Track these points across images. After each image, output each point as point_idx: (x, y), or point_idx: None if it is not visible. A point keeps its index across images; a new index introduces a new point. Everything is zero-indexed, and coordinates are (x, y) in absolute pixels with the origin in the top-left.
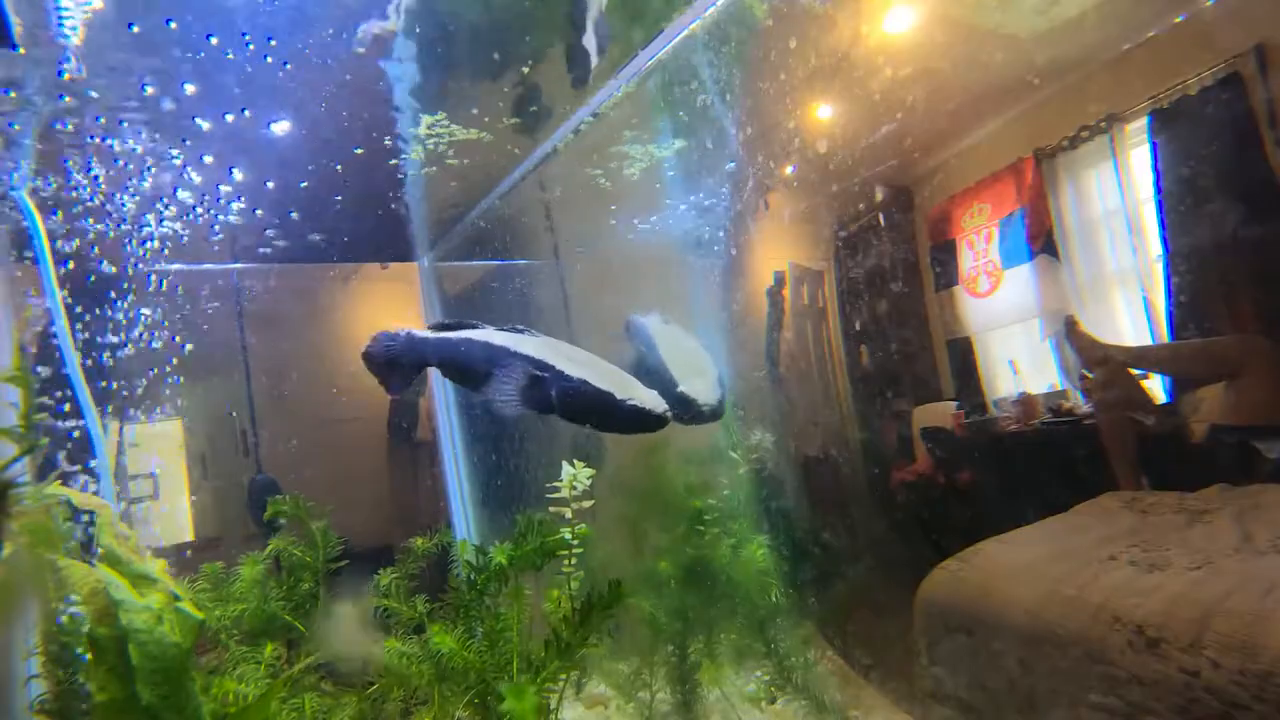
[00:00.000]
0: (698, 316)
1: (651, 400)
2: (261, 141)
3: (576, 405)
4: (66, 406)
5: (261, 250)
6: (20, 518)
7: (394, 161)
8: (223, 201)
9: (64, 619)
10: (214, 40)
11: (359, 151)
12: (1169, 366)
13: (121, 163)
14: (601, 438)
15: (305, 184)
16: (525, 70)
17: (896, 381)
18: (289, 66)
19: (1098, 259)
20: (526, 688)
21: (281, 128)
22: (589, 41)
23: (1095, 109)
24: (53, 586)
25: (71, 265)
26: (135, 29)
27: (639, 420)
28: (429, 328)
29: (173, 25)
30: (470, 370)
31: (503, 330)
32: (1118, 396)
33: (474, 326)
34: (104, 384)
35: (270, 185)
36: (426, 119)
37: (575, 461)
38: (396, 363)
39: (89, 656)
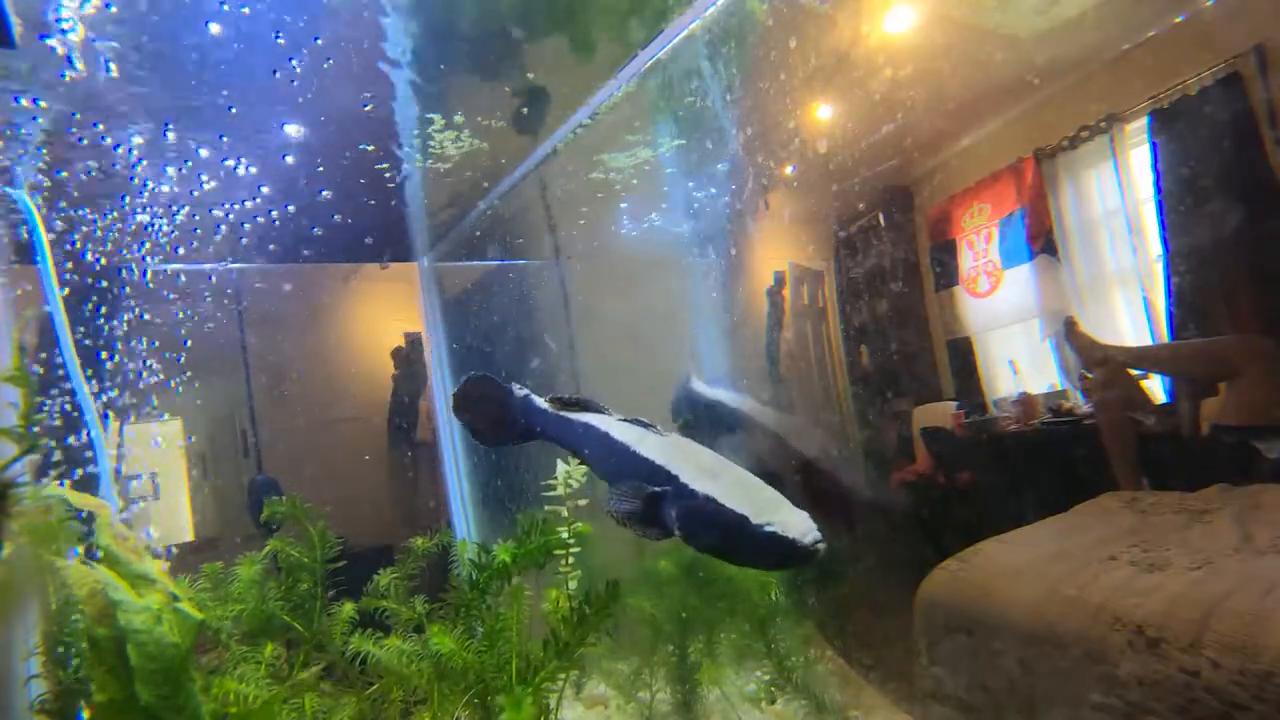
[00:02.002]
0: (698, 316)
1: (797, 526)
2: (261, 141)
3: (701, 528)
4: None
5: (261, 250)
6: (20, 518)
7: (393, 162)
8: (223, 201)
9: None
10: (213, 39)
11: (359, 151)
12: (1169, 366)
13: (120, 164)
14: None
15: (305, 184)
16: (525, 70)
17: (896, 381)
18: (291, 66)
19: (1098, 259)
20: (524, 697)
21: (281, 128)
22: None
23: (1095, 109)
24: (53, 586)
25: (70, 265)
26: (131, 28)
27: (779, 551)
28: (548, 400)
29: (172, 36)
30: (586, 461)
31: (625, 422)
32: (1118, 396)
33: (596, 408)
34: (104, 384)
35: (270, 185)
36: (426, 119)
37: (569, 459)
38: (503, 421)
39: (89, 657)
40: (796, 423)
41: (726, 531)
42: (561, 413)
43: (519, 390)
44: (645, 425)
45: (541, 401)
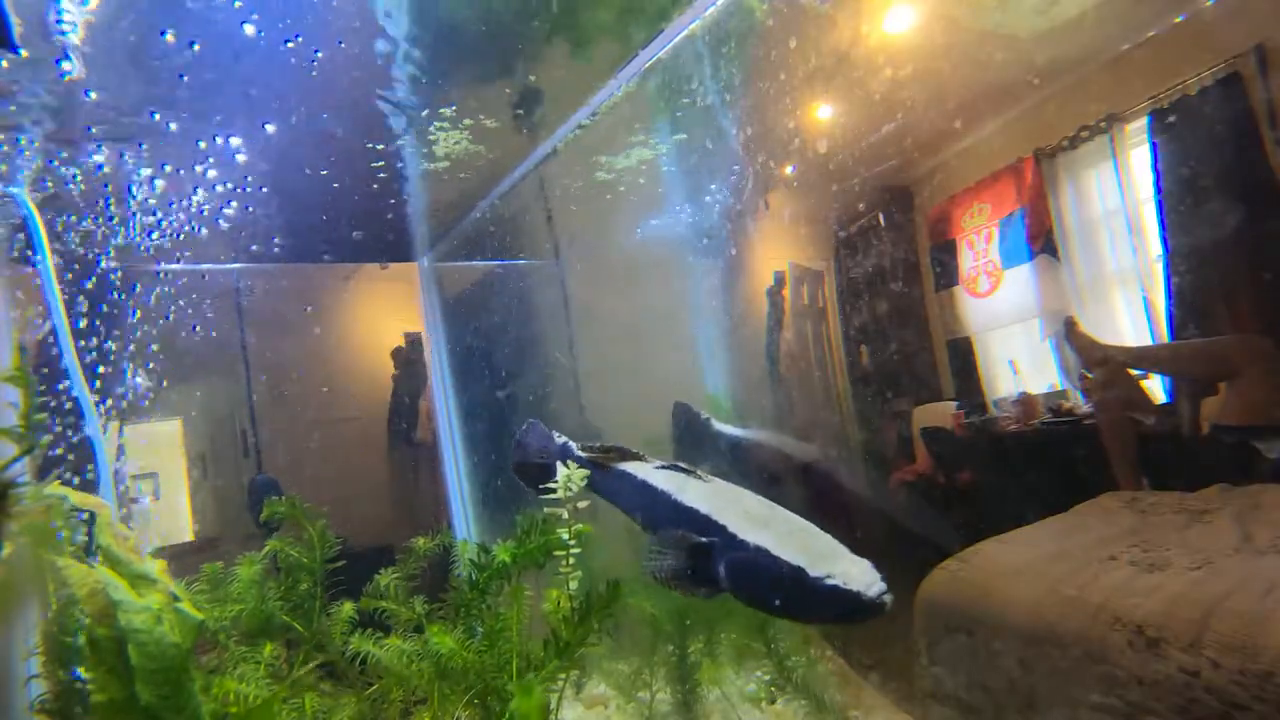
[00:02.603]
0: (698, 316)
1: (859, 577)
2: (262, 141)
3: (753, 583)
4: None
5: (262, 250)
6: (20, 518)
7: (393, 162)
8: (223, 201)
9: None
10: (213, 37)
11: (359, 151)
12: (1169, 366)
13: (120, 163)
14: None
15: (305, 184)
16: (525, 70)
17: (896, 381)
18: (291, 65)
19: (1098, 259)
20: (534, 685)
21: (282, 128)
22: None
23: (1095, 109)
24: (53, 586)
25: (70, 264)
26: (133, 36)
27: (841, 605)
28: (582, 448)
29: (168, 37)
30: (625, 510)
31: (664, 469)
32: (1118, 396)
33: (634, 455)
34: (104, 384)
35: (270, 185)
36: (426, 119)
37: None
38: (549, 469)
39: (89, 657)
40: (797, 422)
41: (782, 585)
42: (597, 459)
43: (559, 438)
44: (686, 471)
45: (577, 449)
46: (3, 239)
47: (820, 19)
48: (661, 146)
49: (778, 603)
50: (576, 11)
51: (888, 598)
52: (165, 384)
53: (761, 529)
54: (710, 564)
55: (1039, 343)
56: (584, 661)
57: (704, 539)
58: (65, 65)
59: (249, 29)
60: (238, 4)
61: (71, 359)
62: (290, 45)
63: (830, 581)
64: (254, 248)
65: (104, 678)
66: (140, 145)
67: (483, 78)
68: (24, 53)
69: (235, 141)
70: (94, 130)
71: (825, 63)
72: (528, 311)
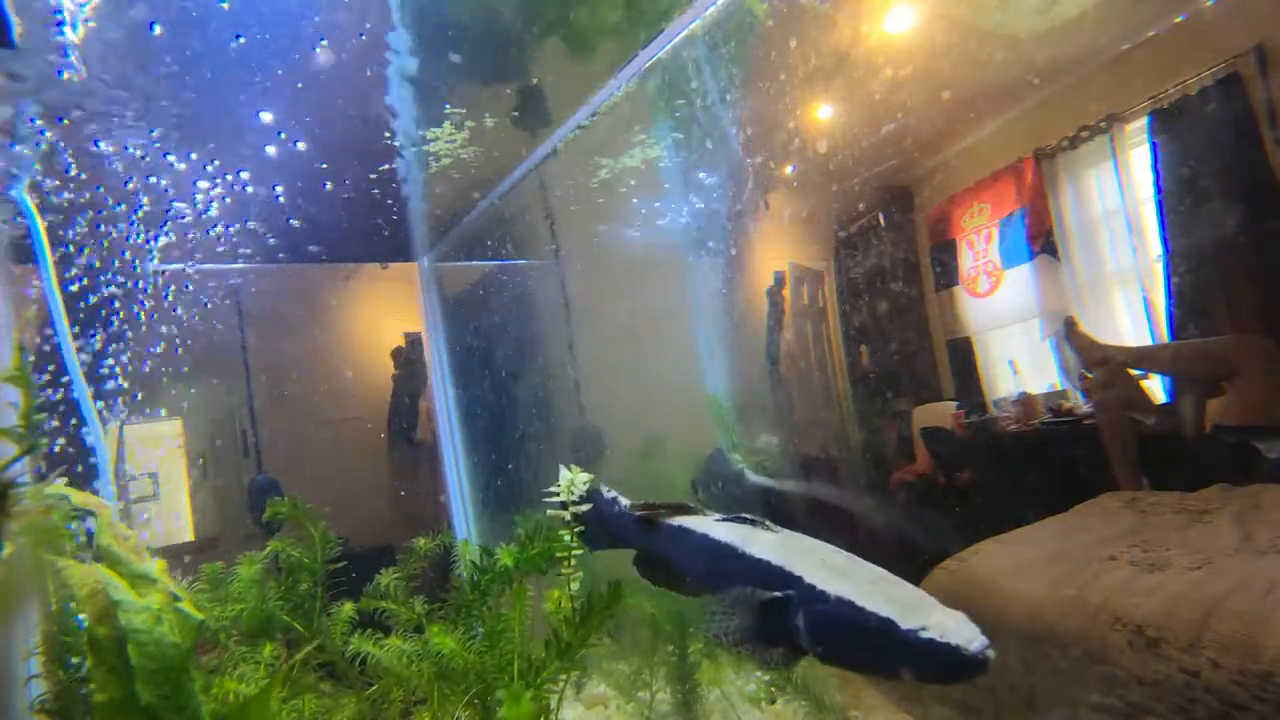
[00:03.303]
0: (698, 317)
1: (958, 630)
2: (261, 141)
3: (838, 638)
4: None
5: (262, 250)
6: (20, 518)
7: (393, 161)
8: (224, 202)
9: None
10: (213, 36)
11: (359, 150)
12: (1169, 367)
13: (120, 163)
14: (601, 435)
15: (305, 183)
16: (525, 70)
17: (896, 381)
18: (291, 64)
19: (1098, 259)
20: (523, 693)
21: (282, 128)
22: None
23: (1095, 109)
24: (53, 586)
25: (69, 265)
26: (133, 37)
27: (940, 661)
28: (631, 506)
29: (157, 29)
30: (683, 569)
31: (726, 521)
32: (1118, 397)
33: (689, 509)
34: (104, 384)
35: (271, 185)
36: (426, 118)
37: (572, 466)
38: (605, 526)
39: (89, 657)
40: (797, 422)
41: (871, 640)
42: (646, 515)
43: (607, 492)
44: (751, 521)
45: (625, 503)
46: (3, 239)
47: (820, 19)
48: (662, 146)
49: (867, 659)
50: (577, 11)
51: (990, 653)
52: (165, 384)
53: (842, 580)
54: (786, 621)
55: (1039, 343)
56: (584, 662)
57: (777, 594)
58: (64, 62)
59: (249, 30)
60: (239, 4)
61: (71, 359)
62: (290, 46)
63: (926, 634)
64: (254, 248)
65: (104, 678)
66: (138, 145)
67: (483, 78)
68: (23, 55)
69: (236, 142)
70: (93, 130)
71: (825, 63)
72: (528, 311)
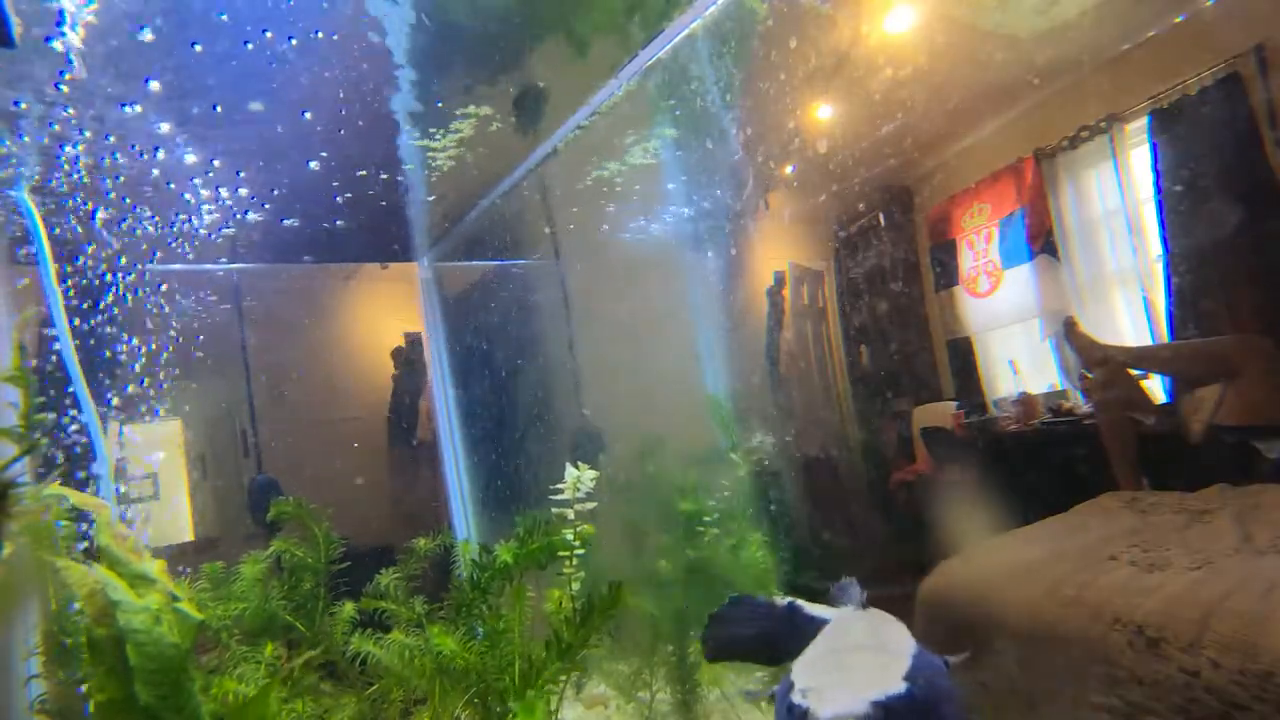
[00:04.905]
0: (698, 317)
1: (834, 698)
2: (261, 141)
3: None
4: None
5: (262, 250)
6: (20, 518)
7: (393, 161)
8: (224, 202)
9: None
10: (213, 36)
11: (359, 150)
12: (1169, 367)
13: (120, 163)
14: (601, 435)
15: (305, 183)
16: (525, 70)
17: (896, 381)
18: (290, 64)
19: (1098, 259)
20: (537, 701)
21: (282, 127)
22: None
23: (1095, 109)
24: (53, 586)
25: (69, 266)
26: (129, 31)
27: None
28: (785, 605)
29: (152, 34)
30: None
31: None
32: (1118, 396)
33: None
34: (104, 384)
35: (270, 185)
36: (426, 118)
37: (579, 464)
38: (773, 640)
39: (89, 657)
40: (796, 422)
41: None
42: (803, 611)
43: (778, 604)
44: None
45: (804, 608)
46: (3, 239)
47: (820, 19)
48: (661, 147)
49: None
50: (577, 11)
51: None
52: (165, 384)
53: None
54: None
55: (1039, 343)
56: (585, 662)
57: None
58: (64, 63)
59: (250, 30)
60: (239, 4)
61: (71, 359)
62: (290, 46)
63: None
64: (254, 248)
65: (103, 678)
66: (139, 145)
67: (483, 78)
68: (23, 55)
69: (236, 142)
70: (93, 130)
71: (825, 63)
72: (528, 311)
